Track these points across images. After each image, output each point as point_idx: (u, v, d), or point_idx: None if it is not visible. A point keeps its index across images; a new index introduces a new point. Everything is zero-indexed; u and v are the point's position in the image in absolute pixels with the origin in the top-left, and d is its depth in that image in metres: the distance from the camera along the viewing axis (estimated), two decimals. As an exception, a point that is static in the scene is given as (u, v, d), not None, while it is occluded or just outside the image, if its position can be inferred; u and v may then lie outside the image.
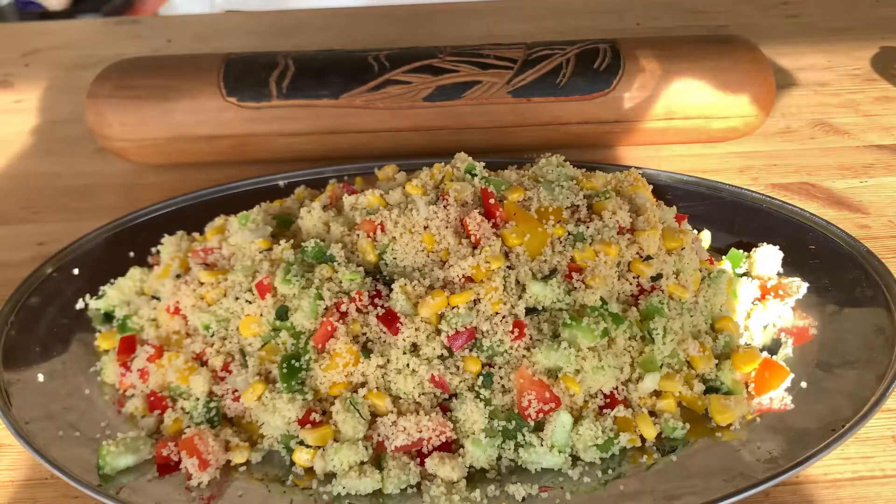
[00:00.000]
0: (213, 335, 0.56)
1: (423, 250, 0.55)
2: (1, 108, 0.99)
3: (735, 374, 0.54)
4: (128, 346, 0.58)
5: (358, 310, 0.53)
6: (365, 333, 0.53)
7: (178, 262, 0.62)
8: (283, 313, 0.54)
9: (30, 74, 1.07)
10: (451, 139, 0.79)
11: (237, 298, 0.56)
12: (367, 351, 0.52)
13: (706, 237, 0.65)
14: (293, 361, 0.52)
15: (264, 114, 0.78)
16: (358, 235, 0.57)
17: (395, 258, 0.55)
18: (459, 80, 0.78)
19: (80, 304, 0.62)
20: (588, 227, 0.55)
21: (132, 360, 0.57)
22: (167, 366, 0.55)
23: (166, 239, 0.65)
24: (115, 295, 0.62)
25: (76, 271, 0.64)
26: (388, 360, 0.52)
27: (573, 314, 0.52)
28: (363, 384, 0.52)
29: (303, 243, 0.57)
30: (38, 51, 1.14)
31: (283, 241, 0.58)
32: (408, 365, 0.51)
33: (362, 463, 0.50)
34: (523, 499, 0.48)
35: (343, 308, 0.53)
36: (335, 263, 0.55)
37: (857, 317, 0.57)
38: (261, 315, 0.55)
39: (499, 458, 0.51)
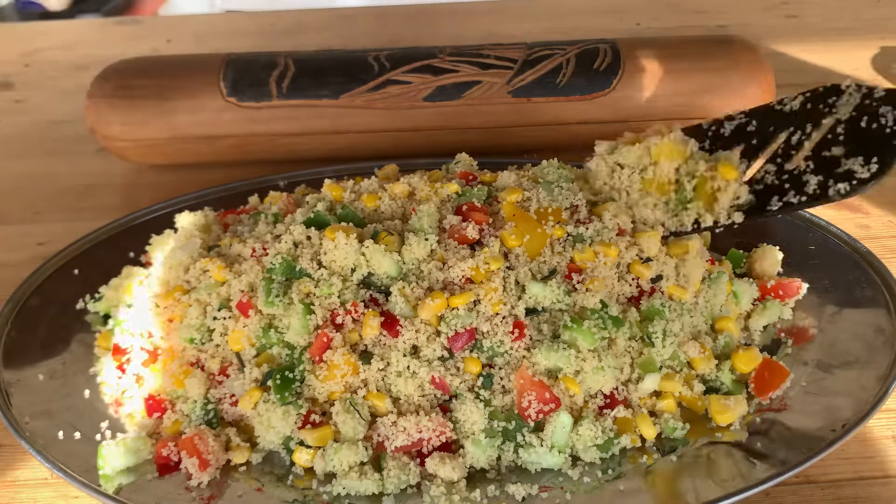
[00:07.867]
0: (203, 343, 0.55)
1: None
2: (1, 108, 0.99)
3: (735, 374, 0.54)
4: (123, 350, 0.57)
5: (354, 320, 0.52)
6: (363, 340, 0.52)
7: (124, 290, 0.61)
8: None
9: (30, 74, 1.07)
10: (451, 139, 0.78)
11: (215, 318, 0.54)
12: (366, 356, 0.52)
13: (706, 237, 0.65)
14: (287, 373, 0.52)
15: (264, 114, 0.78)
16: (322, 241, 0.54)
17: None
18: (459, 80, 0.78)
19: (80, 305, 0.62)
20: (587, 229, 0.55)
21: (128, 364, 0.56)
22: (162, 370, 0.55)
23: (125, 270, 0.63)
24: (112, 295, 0.62)
25: (76, 271, 0.64)
26: (388, 364, 0.52)
27: (574, 316, 0.52)
28: (363, 386, 0.52)
29: (267, 260, 0.54)
30: (38, 51, 1.14)
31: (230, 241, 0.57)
32: (408, 367, 0.51)
33: (362, 463, 0.50)
34: (523, 499, 0.48)
35: (339, 320, 0.52)
36: (308, 277, 0.53)
37: (857, 317, 0.57)
38: (245, 327, 0.53)
39: (499, 458, 0.51)
